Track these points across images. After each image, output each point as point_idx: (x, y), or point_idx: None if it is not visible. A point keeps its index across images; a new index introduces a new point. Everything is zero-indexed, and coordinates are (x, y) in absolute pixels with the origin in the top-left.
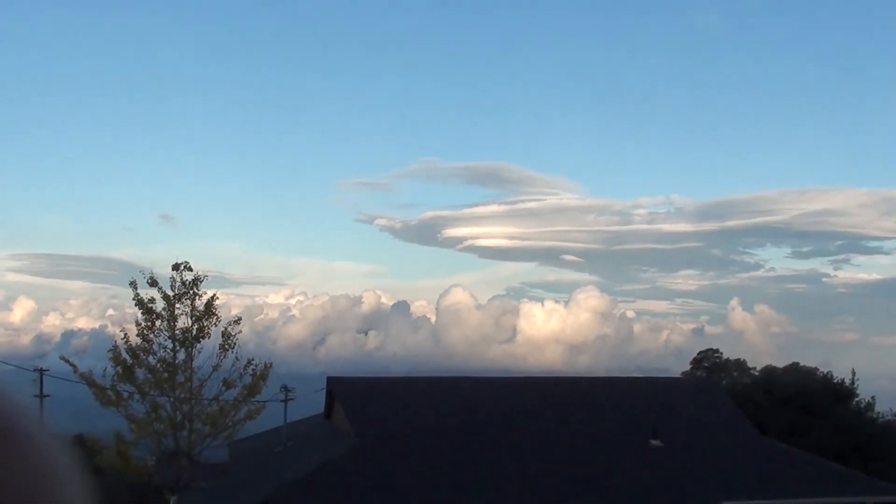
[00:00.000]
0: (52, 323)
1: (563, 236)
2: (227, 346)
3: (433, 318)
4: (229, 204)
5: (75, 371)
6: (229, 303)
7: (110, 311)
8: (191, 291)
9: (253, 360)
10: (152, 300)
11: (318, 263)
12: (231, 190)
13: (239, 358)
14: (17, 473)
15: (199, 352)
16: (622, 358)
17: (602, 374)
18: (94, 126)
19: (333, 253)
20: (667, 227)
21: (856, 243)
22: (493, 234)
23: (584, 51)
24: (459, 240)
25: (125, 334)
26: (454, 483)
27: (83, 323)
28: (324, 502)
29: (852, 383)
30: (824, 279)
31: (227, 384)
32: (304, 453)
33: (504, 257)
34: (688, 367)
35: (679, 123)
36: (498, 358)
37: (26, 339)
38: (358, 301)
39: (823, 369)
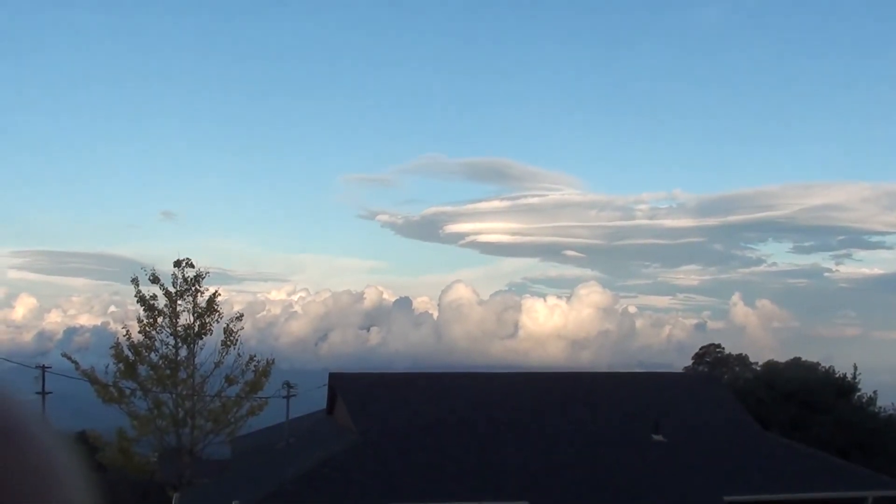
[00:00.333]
0: (54, 320)
1: (565, 232)
2: (229, 343)
3: (435, 314)
4: (231, 200)
5: (77, 368)
6: (231, 299)
7: (112, 308)
8: (193, 288)
9: (255, 356)
10: (154, 297)
11: (321, 259)
12: (233, 186)
13: (241, 354)
14: (19, 473)
15: (202, 348)
16: (624, 353)
17: (604, 369)
18: (95, 123)
19: (336, 249)
20: (669, 222)
21: (857, 238)
22: (495, 230)
23: (586, 47)
24: (461, 235)
25: (127, 331)
26: (456, 479)
27: (85, 320)
28: (326, 498)
29: (854, 378)
30: (826, 274)
31: (230, 381)
32: (306, 450)
33: (506, 253)
34: (690, 363)
35: (681, 119)
36: (500, 353)
37: (28, 337)
38: (360, 297)
39: (825, 364)
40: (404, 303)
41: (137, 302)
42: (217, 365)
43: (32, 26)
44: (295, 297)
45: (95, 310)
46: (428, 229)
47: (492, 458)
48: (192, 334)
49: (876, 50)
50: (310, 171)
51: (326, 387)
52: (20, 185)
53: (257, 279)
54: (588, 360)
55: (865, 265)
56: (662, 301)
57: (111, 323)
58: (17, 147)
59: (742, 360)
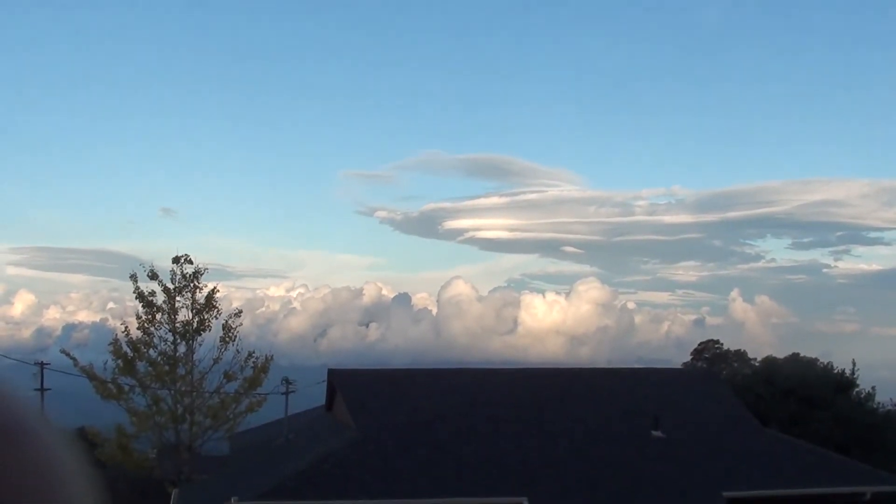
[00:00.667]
0: (53, 316)
1: (564, 228)
2: (227, 339)
3: (434, 310)
4: (230, 197)
5: (76, 364)
6: (230, 295)
7: (111, 305)
8: (191, 284)
9: (254, 352)
10: (153, 293)
11: (320, 256)
12: (232, 183)
13: (240, 351)
14: (20, 471)
15: (200, 345)
16: (623, 349)
17: (603, 365)
18: (94, 119)
19: (334, 245)
20: (668, 218)
21: (856, 234)
22: (494, 226)
23: (585, 43)
24: (460, 232)
25: (126, 327)
26: (456, 475)
27: (84, 316)
28: (325, 495)
29: (853, 374)
30: (825, 270)
31: (228, 377)
32: (305, 446)
33: (505, 249)
34: (688, 358)
35: (680, 115)
36: (499, 349)
37: (27, 333)
38: (359, 293)
39: (824, 360)
40: (403, 299)
41: (136, 298)
42: (216, 361)
43: (31, 24)
44: (294, 294)
45: (94, 306)
46: (427, 225)
47: (491, 454)
48: (191, 331)
49: (875, 47)
50: (309, 167)
51: (325, 383)
52: (19, 182)
53: (256, 275)
54: (587, 356)
55: (864, 261)
56: (661, 297)
57: (110, 319)
58: (16, 144)
59: (741, 355)
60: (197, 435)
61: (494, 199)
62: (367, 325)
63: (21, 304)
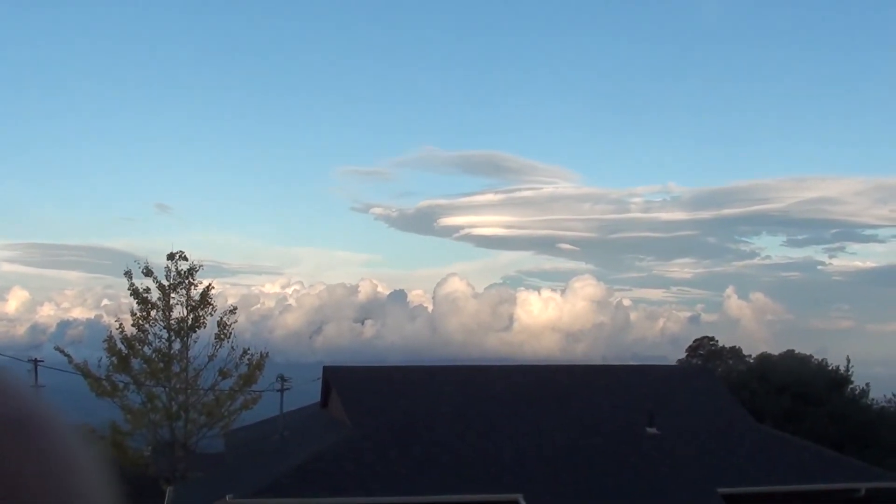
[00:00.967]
0: (47, 313)
1: (560, 225)
2: (222, 336)
3: (430, 307)
4: (226, 193)
5: (70, 361)
6: (225, 292)
7: (105, 302)
8: (186, 281)
9: (249, 349)
10: (147, 290)
11: (315, 252)
12: (227, 179)
13: (235, 348)
14: (35, 466)
15: (195, 342)
16: (618, 346)
17: (598, 361)
18: (89, 115)
19: (330, 242)
20: (663, 215)
21: (851, 231)
22: (490, 223)
23: (581, 40)
24: (456, 228)
25: (120, 324)
26: (451, 472)
27: (78, 313)
28: (320, 492)
29: (847, 370)
30: (819, 267)
31: (223, 374)
32: (301, 443)
33: (500, 246)
34: (683, 355)
35: (676, 112)
36: (495, 346)
37: (21, 330)
38: (354, 290)
39: (818, 357)
40: (399, 296)
41: (131, 295)
42: (211, 358)
43: (22, 20)
44: (289, 290)
45: (89, 303)
46: (422, 222)
47: (486, 450)
48: (186, 327)
49: (871, 46)
50: (304, 163)
51: (320, 380)
52: (12, 178)
53: (251, 272)
54: (582, 353)
55: (859, 258)
56: (656, 294)
57: (104, 316)
58: (10, 140)
59: (736, 352)
60: (192, 432)
61: (490, 196)
62: (363, 323)
63: (15, 301)
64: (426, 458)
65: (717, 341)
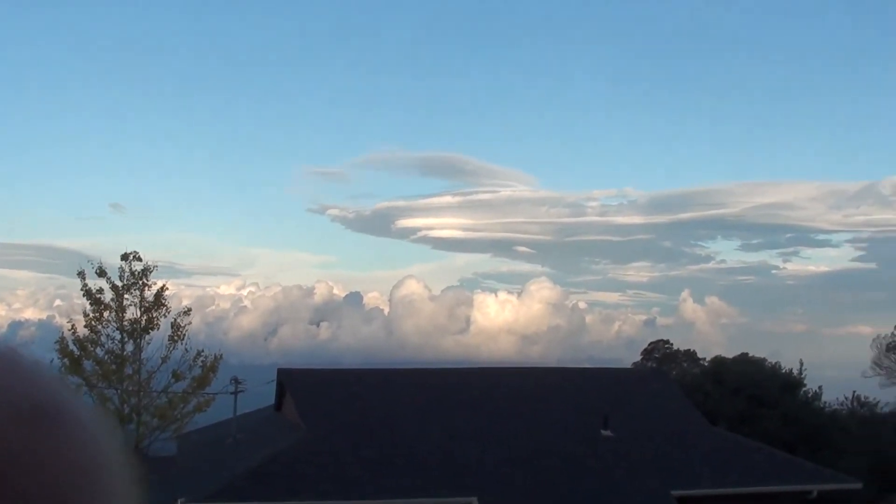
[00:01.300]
0: None
1: (517, 228)
2: (176, 338)
3: (386, 310)
4: (181, 193)
5: None
6: (180, 293)
7: (58, 302)
8: (140, 282)
9: (203, 351)
10: (101, 291)
11: (271, 254)
12: (183, 179)
13: (188, 349)
14: (60, 454)
15: (148, 343)
16: (574, 348)
17: (554, 364)
18: (41, 113)
19: (286, 243)
20: (619, 219)
21: (805, 236)
22: (447, 225)
23: (539, 44)
24: (413, 230)
25: (73, 325)
26: (407, 475)
27: (30, 314)
28: (273, 496)
29: (800, 373)
30: (774, 271)
31: (177, 376)
32: (254, 446)
33: (457, 248)
34: (639, 358)
35: (632, 117)
36: (451, 349)
37: None
38: (310, 292)
39: (772, 360)
40: (355, 298)
41: (84, 296)
42: (164, 360)
43: None
44: (244, 292)
45: (41, 303)
46: (379, 224)
47: (441, 454)
48: (139, 329)
49: (823, 52)
50: (260, 164)
51: (275, 382)
52: None
53: (207, 273)
54: (538, 355)
55: (812, 263)
56: (612, 297)
57: (57, 317)
58: None
59: (690, 355)
60: (144, 435)
61: (448, 199)
62: (318, 325)
63: None
64: (381, 462)
65: (671, 344)
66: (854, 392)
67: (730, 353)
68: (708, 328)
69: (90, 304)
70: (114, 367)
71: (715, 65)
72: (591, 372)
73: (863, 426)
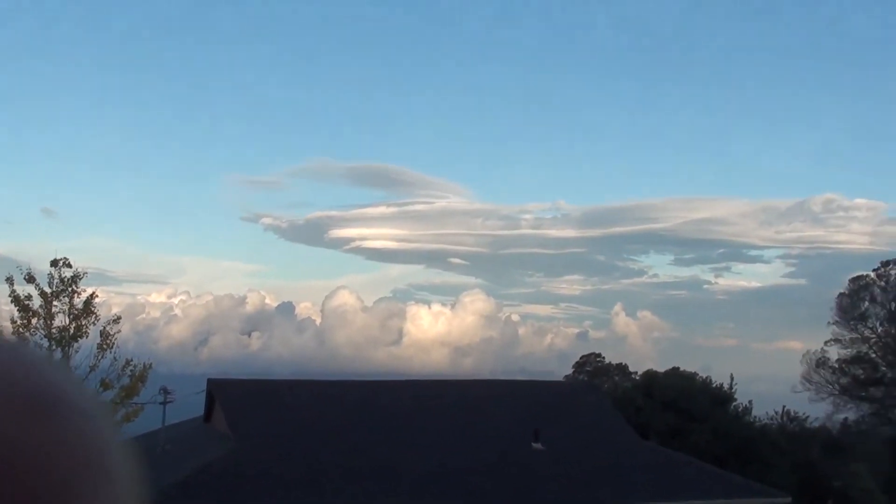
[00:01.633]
0: None
1: (451, 239)
2: (105, 346)
3: (318, 320)
4: (113, 199)
5: None
6: (110, 301)
7: None
8: (69, 289)
9: (132, 360)
10: (29, 297)
11: (203, 262)
12: (115, 184)
13: (117, 358)
14: (57, 444)
15: (77, 351)
16: (507, 361)
17: (487, 376)
18: None
19: (218, 251)
20: (553, 232)
21: (736, 252)
22: (381, 236)
23: (474, 58)
24: (346, 241)
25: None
26: (336, 487)
27: None
28: None
29: (731, 388)
30: (705, 286)
31: (105, 385)
32: (183, 457)
33: (391, 259)
34: (571, 371)
35: (566, 131)
36: (384, 360)
37: None
38: (242, 301)
39: (703, 374)
40: (287, 308)
41: (11, 302)
42: (92, 369)
43: None
44: (175, 300)
45: None
46: (312, 233)
47: (371, 465)
48: (68, 337)
49: (760, 71)
50: (194, 171)
51: (204, 393)
52: None
53: (138, 280)
54: (471, 368)
55: (744, 278)
56: (545, 310)
57: None
58: None
59: (622, 369)
60: None
61: (382, 209)
62: (250, 335)
63: None
64: (311, 473)
65: (603, 358)
66: (784, 407)
67: (661, 368)
68: (640, 342)
69: (18, 310)
70: None
71: (648, 81)
72: (524, 384)
73: (792, 441)
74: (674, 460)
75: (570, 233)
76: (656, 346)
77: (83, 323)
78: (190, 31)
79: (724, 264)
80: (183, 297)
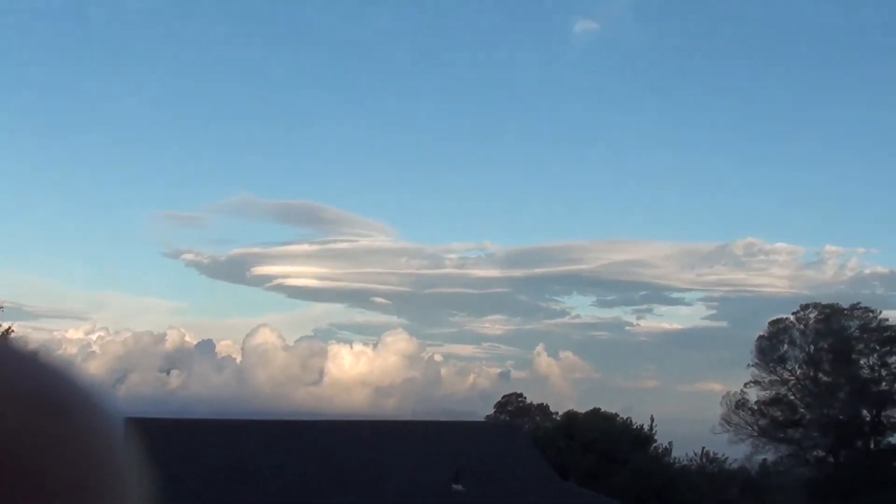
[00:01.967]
0: None
1: (374, 278)
2: None
3: (239, 358)
4: (31, 232)
5: None
6: (26, 336)
7: None
8: None
9: None
10: None
11: (122, 298)
12: (33, 217)
13: None
14: (66, 446)
15: None
16: (429, 401)
17: (408, 417)
18: None
19: (138, 287)
20: (477, 272)
21: (658, 294)
22: (303, 274)
23: (399, 98)
24: (268, 278)
25: None
26: None
27: None
28: None
29: (651, 429)
30: (627, 328)
31: None
32: None
33: (313, 298)
34: (492, 411)
35: (492, 171)
36: (305, 400)
37: None
38: (161, 338)
39: (624, 415)
40: (207, 346)
41: None
42: None
43: None
44: (93, 337)
45: None
46: (234, 271)
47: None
48: None
49: (680, 115)
50: (115, 205)
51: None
52: None
53: (55, 316)
54: (393, 408)
55: (665, 320)
56: (467, 349)
57: None
58: None
59: (543, 409)
60: None
61: (305, 247)
62: (169, 372)
63: None
64: None
65: (525, 398)
66: (703, 448)
67: (582, 408)
68: (561, 382)
69: None
70: None
71: (570, 123)
72: (444, 425)
73: (711, 482)
74: (595, 501)
75: (493, 272)
76: (578, 387)
77: None
78: (113, 67)
79: (645, 306)
80: (101, 333)
